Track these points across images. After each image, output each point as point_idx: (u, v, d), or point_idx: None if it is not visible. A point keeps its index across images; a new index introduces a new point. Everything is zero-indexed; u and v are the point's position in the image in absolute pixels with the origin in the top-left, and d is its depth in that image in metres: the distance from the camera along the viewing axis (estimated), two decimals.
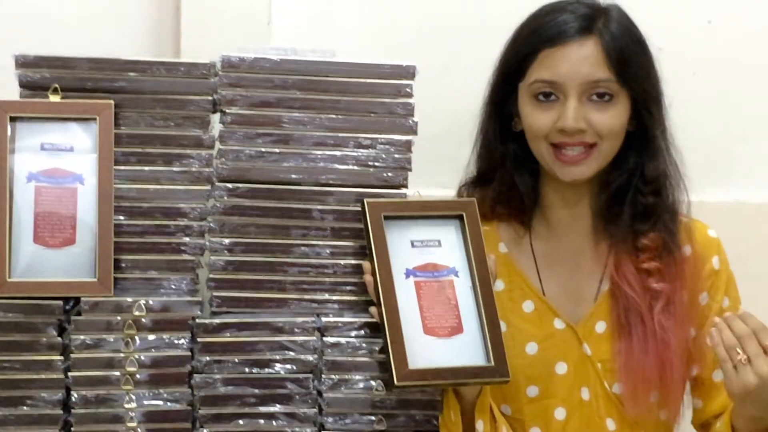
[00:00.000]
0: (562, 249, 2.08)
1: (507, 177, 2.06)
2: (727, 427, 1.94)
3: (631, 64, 1.95)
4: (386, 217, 1.87)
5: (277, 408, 1.87)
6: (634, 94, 1.96)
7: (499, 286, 2.01)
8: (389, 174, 1.93)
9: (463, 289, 1.89)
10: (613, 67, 1.92)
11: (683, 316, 1.99)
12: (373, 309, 1.86)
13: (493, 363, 1.82)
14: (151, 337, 1.85)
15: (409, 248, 1.89)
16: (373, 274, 1.83)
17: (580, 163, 1.94)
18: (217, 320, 1.87)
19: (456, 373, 1.82)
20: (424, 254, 1.89)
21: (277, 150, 1.91)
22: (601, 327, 2.02)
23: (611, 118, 1.93)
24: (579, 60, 1.92)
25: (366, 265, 1.87)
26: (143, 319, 1.85)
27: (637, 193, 2.00)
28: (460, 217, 1.92)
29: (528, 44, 1.97)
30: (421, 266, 1.88)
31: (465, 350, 1.85)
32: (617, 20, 1.97)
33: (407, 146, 1.93)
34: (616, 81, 1.93)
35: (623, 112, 1.96)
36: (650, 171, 2.00)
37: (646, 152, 2.01)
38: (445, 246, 1.91)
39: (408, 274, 1.87)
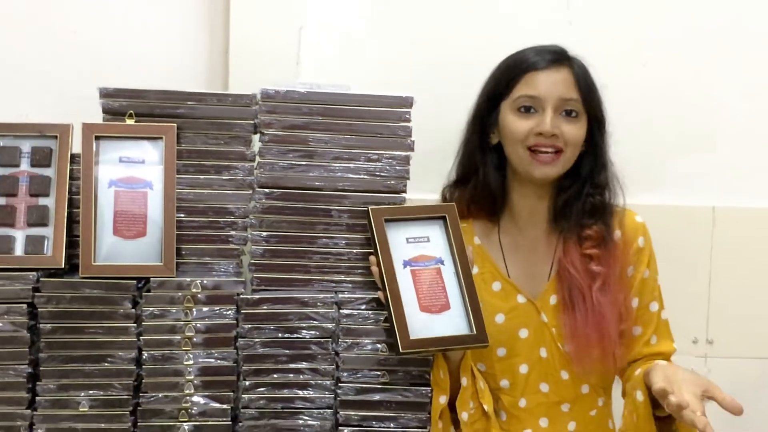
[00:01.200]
0: (522, 240, 2.09)
1: (481, 181, 2.08)
2: (644, 389, 1.92)
3: (592, 92, 2.01)
4: (386, 220, 1.89)
5: (303, 365, 1.89)
6: (591, 116, 2.02)
7: (474, 270, 2.02)
8: (392, 182, 1.94)
9: (449, 275, 1.91)
10: (581, 91, 1.99)
11: (616, 291, 2.01)
12: (379, 293, 1.87)
13: (475, 332, 1.85)
14: (205, 309, 1.87)
15: (405, 244, 1.90)
16: (379, 265, 1.85)
17: (551, 164, 1.98)
18: (256, 296, 1.89)
19: (446, 341, 1.85)
20: (416, 248, 1.90)
21: (304, 163, 1.92)
22: (553, 300, 2.05)
23: (576, 130, 1.99)
24: (556, 81, 1.98)
25: (372, 258, 1.88)
26: (199, 295, 1.87)
27: (588, 195, 2.03)
28: (443, 218, 1.93)
29: (513, 69, 2.01)
30: (415, 258, 1.90)
31: (452, 323, 1.87)
32: (580, 63, 2.03)
33: (406, 160, 1.94)
34: (581, 102, 1.99)
35: (583, 128, 2.00)
36: (600, 179, 2.05)
37: (596, 164, 2.05)
38: (433, 241, 1.92)
39: (405, 264, 1.88)
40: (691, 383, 1.80)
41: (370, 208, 1.89)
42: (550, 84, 1.98)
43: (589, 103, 2.01)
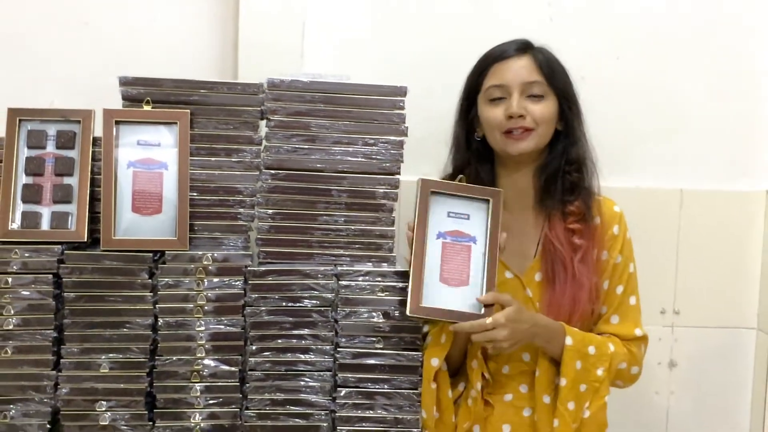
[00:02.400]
0: (511, 220, 2.04)
1: (473, 171, 2.07)
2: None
3: (555, 74, 2.00)
4: (432, 192, 1.89)
5: (305, 331, 1.90)
6: (558, 94, 2.01)
7: None
8: (387, 164, 1.94)
9: (477, 255, 1.91)
10: (543, 74, 1.99)
11: (593, 266, 2.01)
12: (407, 256, 1.88)
13: (483, 312, 1.86)
14: (215, 279, 1.88)
15: (445, 217, 1.90)
16: (413, 230, 1.86)
17: (524, 140, 1.97)
18: (262, 268, 1.90)
19: (452, 314, 1.85)
20: (455, 223, 1.91)
21: (306, 146, 1.93)
22: (538, 276, 2.03)
23: (543, 108, 1.98)
24: (519, 68, 1.99)
25: (410, 222, 1.89)
26: (210, 267, 1.87)
27: (565, 173, 2.03)
28: (488, 201, 1.93)
29: (481, 65, 2.03)
30: (451, 231, 1.90)
31: (465, 299, 1.87)
32: (544, 51, 2.03)
33: (400, 145, 1.94)
34: (546, 83, 1.99)
35: (551, 106, 1.99)
36: (572, 154, 2.03)
37: (569, 140, 2.04)
38: (473, 220, 1.92)
39: (439, 236, 1.89)
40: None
41: (420, 178, 1.90)
42: (513, 71, 1.99)
43: (553, 84, 2.00)
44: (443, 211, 1.91)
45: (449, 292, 1.87)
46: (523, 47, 2.02)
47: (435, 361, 1.93)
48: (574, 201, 2.03)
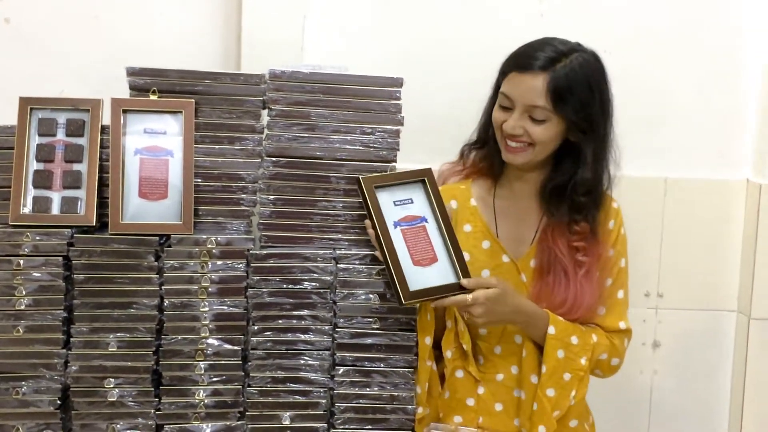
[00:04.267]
0: (514, 207, 2.03)
1: (491, 147, 2.01)
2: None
3: (566, 101, 1.86)
4: (376, 187, 1.87)
5: (305, 312, 1.89)
6: (567, 119, 1.89)
7: (467, 228, 2.02)
8: (383, 153, 1.93)
9: (433, 231, 1.89)
10: (551, 100, 1.85)
11: (597, 274, 1.98)
12: (377, 252, 1.85)
13: (461, 278, 1.85)
14: (219, 262, 1.87)
15: (393, 206, 1.88)
16: (374, 228, 1.84)
17: (518, 154, 1.92)
18: (264, 251, 1.89)
19: (438, 290, 1.83)
20: (403, 209, 1.88)
21: (306, 135, 1.91)
22: (533, 263, 2.01)
23: (542, 132, 1.88)
24: (528, 88, 1.87)
25: (367, 222, 1.86)
26: (214, 250, 1.86)
27: (573, 192, 1.95)
28: (423, 181, 1.91)
29: (506, 64, 1.93)
30: (403, 218, 1.88)
31: (441, 273, 1.86)
32: (574, 67, 1.87)
33: (396, 134, 1.93)
34: (551, 110, 1.86)
35: (553, 129, 1.89)
36: (579, 175, 1.94)
37: (578, 162, 1.94)
38: (416, 202, 1.90)
39: (395, 225, 1.87)
40: None
41: (360, 177, 1.85)
42: (522, 89, 1.88)
43: (561, 110, 1.87)
44: (390, 202, 1.88)
45: (425, 271, 1.86)
46: (548, 63, 1.86)
47: (428, 340, 1.92)
48: (581, 221, 1.97)
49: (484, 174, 2.07)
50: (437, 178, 2.00)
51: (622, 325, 2.03)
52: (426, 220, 1.90)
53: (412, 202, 1.91)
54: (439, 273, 1.87)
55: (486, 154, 2.05)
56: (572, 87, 1.87)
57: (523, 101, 1.88)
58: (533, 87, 1.86)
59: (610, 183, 2.01)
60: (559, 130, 1.91)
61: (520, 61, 1.90)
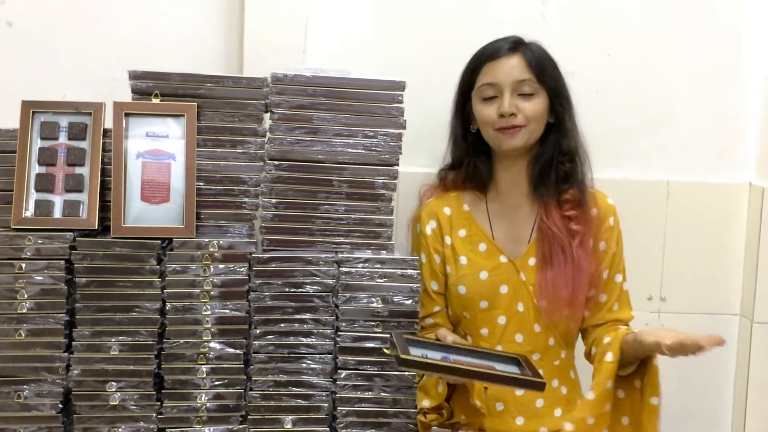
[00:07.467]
0: (507, 207, 2.09)
1: (471, 162, 2.09)
2: (617, 350, 1.92)
3: (546, 71, 2.00)
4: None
5: (307, 316, 1.89)
6: (549, 90, 2.01)
7: (461, 233, 2.05)
8: (386, 156, 1.92)
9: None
10: (533, 72, 1.99)
11: (591, 252, 2.03)
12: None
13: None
14: (221, 266, 1.86)
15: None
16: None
17: (515, 136, 1.99)
18: (266, 255, 1.89)
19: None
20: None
21: (308, 138, 1.91)
22: (532, 261, 2.04)
23: (533, 106, 1.99)
24: (509, 67, 1.99)
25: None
26: (216, 254, 1.86)
27: (558, 163, 2.04)
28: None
29: (474, 63, 2.03)
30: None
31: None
32: (535, 47, 2.03)
33: (399, 137, 1.93)
34: (536, 81, 1.99)
35: (541, 103, 2.00)
36: (564, 146, 2.04)
37: (561, 133, 2.04)
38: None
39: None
40: (670, 332, 1.83)
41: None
42: (505, 71, 1.99)
43: (543, 81, 2.00)
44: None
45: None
46: (515, 45, 2.02)
47: (426, 402, 1.99)
48: (568, 189, 2.03)
49: (470, 188, 2.13)
50: (420, 200, 2.09)
51: (632, 314, 2.11)
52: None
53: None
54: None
55: (467, 172, 2.10)
56: (544, 61, 2.02)
57: (509, 79, 1.98)
58: (515, 65, 1.99)
59: (591, 174, 2.09)
60: (545, 105, 2.02)
61: (488, 52, 2.02)
